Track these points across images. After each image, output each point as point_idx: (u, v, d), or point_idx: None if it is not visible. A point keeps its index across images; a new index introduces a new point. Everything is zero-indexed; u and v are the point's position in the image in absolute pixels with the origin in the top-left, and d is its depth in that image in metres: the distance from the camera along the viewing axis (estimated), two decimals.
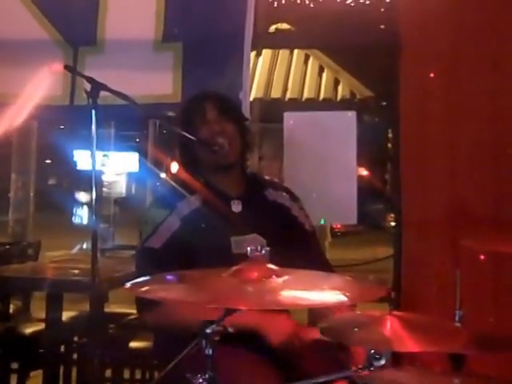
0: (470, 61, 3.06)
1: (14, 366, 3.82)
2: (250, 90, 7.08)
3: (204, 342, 1.56)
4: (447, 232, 2.93)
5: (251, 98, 7.07)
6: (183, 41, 3.03)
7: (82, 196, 14.83)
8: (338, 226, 13.94)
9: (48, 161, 25.58)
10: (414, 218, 3.08)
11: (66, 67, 2.47)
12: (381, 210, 15.41)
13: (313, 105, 6.53)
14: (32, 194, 8.72)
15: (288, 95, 6.95)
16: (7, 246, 4.61)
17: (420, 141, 3.09)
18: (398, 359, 2.52)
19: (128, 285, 1.58)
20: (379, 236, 11.29)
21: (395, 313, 1.83)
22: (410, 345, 1.76)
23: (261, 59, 7.22)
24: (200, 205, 2.33)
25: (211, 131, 2.33)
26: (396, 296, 3.08)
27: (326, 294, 1.56)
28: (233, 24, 3.00)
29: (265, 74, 7.12)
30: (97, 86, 2.22)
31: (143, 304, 2.20)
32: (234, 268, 1.55)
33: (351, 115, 3.27)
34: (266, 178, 2.60)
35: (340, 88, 7.02)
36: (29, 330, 3.84)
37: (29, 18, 2.97)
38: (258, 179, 2.53)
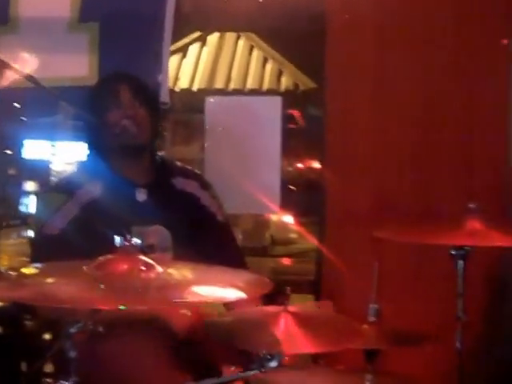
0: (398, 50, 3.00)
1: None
2: (193, 80, 6.97)
3: (68, 343, 1.40)
4: (369, 224, 2.85)
5: (194, 89, 6.97)
6: (100, 21, 2.90)
7: (30, 185, 14.53)
8: None
9: (9, 151, 25.13)
10: (337, 209, 3.01)
11: None
12: None
13: (255, 95, 6.41)
14: None
15: (231, 86, 6.81)
16: None
17: (344, 134, 3.03)
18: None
19: None
20: None
21: (291, 309, 1.74)
22: (302, 345, 1.67)
23: (205, 49, 7.08)
24: (101, 193, 2.22)
25: (122, 114, 2.24)
26: (316, 288, 3.03)
27: (198, 288, 1.43)
28: (152, 5, 2.89)
29: (209, 64, 6.98)
30: None
31: None
32: (100, 260, 1.41)
33: (276, 100, 3.17)
34: (178, 164, 2.47)
35: (283, 79, 6.91)
36: None
37: None
38: (167, 166, 2.43)
